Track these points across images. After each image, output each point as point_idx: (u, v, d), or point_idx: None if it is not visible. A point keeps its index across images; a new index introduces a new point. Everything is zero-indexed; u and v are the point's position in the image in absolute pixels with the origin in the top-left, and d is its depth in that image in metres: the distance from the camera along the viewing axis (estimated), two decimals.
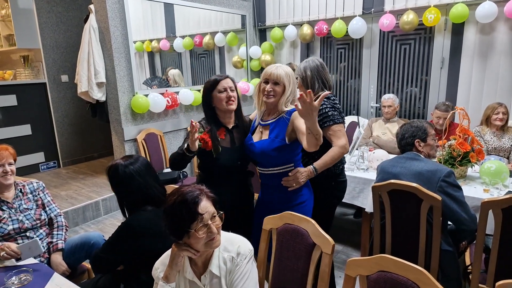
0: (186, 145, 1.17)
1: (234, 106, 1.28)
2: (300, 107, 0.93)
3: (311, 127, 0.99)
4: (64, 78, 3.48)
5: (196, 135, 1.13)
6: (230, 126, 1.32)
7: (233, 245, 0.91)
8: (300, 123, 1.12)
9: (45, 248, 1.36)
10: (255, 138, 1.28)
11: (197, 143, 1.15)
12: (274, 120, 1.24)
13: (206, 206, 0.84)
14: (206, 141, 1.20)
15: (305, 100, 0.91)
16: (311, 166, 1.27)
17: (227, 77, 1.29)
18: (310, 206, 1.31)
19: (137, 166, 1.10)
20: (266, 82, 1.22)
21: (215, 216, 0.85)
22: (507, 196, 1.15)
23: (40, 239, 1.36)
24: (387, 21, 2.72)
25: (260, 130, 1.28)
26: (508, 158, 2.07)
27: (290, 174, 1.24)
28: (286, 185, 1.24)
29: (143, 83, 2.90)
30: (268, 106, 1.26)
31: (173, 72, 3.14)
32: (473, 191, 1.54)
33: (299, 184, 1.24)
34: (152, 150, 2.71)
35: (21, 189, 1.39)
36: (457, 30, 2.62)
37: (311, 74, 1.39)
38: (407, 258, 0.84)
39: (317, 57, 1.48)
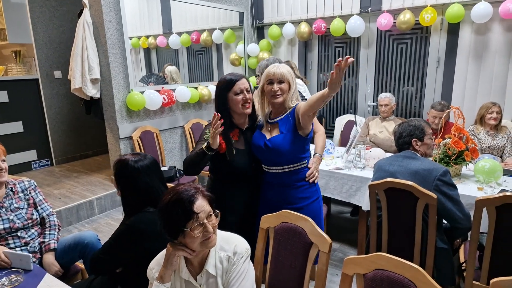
0: (206, 143, 1.13)
1: (250, 110, 1.24)
2: (335, 75, 0.93)
3: (331, 95, 1.02)
4: (57, 74, 3.42)
5: (219, 128, 1.06)
6: (244, 127, 1.29)
7: (229, 244, 0.90)
8: (304, 105, 1.17)
9: (37, 248, 1.33)
10: (266, 136, 1.27)
11: (217, 139, 1.09)
12: (282, 117, 1.25)
13: (202, 205, 0.82)
14: (219, 143, 1.15)
15: (341, 67, 0.91)
16: (318, 154, 1.32)
17: (243, 77, 1.23)
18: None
19: (145, 163, 1.08)
20: (270, 83, 1.21)
21: (211, 215, 0.84)
22: (501, 194, 1.16)
23: (31, 239, 1.33)
24: (384, 21, 2.72)
25: (268, 128, 1.27)
26: (501, 156, 2.10)
27: (309, 166, 1.28)
28: (312, 180, 1.27)
29: (139, 81, 2.86)
30: (275, 106, 1.24)
31: (170, 69, 3.10)
32: (468, 189, 1.55)
33: (318, 173, 1.30)
34: (148, 148, 2.68)
35: (11, 187, 1.36)
36: (453, 30, 2.63)
37: None
38: (403, 255, 0.84)
39: (276, 56, 1.52)
